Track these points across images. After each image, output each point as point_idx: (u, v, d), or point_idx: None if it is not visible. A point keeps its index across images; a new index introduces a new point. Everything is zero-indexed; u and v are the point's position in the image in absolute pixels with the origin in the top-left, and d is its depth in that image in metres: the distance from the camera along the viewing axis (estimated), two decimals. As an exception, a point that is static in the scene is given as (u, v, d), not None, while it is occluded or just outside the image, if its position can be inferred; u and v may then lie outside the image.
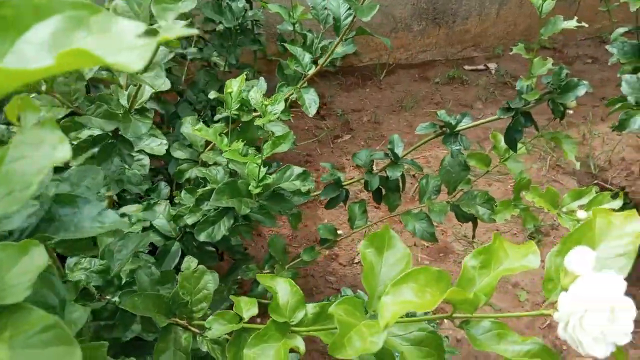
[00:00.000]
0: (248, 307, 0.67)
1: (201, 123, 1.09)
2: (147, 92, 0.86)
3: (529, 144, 1.48)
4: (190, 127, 1.11)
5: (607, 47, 1.59)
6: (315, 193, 1.48)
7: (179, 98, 1.61)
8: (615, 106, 1.46)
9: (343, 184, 1.48)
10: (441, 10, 2.67)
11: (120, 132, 0.87)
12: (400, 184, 1.45)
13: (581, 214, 1.09)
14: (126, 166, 0.91)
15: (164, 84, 0.75)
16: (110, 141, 0.87)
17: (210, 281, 0.73)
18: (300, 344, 0.60)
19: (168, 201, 1.18)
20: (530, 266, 0.50)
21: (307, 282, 1.91)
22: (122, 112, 0.83)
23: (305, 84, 1.25)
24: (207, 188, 1.02)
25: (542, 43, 1.22)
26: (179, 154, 1.23)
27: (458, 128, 1.32)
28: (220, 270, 1.00)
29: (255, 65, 1.87)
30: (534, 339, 0.47)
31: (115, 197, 1.10)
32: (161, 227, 1.07)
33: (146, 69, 0.72)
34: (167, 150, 1.16)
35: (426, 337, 0.54)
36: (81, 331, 0.61)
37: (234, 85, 0.98)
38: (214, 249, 1.19)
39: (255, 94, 0.94)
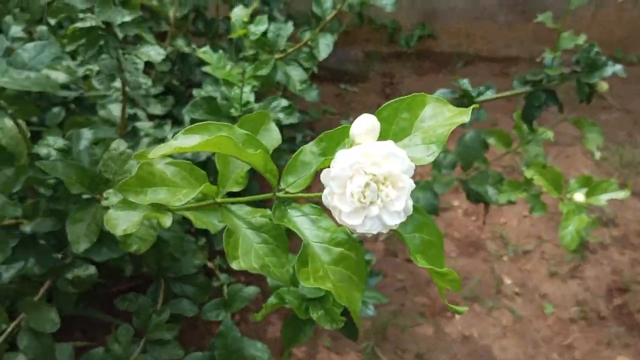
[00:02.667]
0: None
1: (207, 48, 1.12)
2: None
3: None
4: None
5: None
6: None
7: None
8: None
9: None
10: (532, 4, 2.51)
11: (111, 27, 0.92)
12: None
13: (578, 197, 0.99)
14: (117, 61, 0.95)
15: None
16: (100, 32, 0.92)
17: (134, 166, 0.75)
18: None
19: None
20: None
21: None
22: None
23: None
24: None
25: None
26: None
27: (478, 99, 1.24)
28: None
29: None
30: (343, 230, 0.44)
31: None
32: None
33: None
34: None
35: (268, 224, 0.52)
36: None
37: (238, 14, 1.00)
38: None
39: (240, 12, 0.94)
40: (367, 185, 0.35)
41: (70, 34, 0.89)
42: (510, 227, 2.04)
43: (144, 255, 1.13)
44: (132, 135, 1.24)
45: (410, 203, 0.37)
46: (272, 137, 0.53)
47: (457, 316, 1.76)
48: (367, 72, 2.69)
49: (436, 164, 1.38)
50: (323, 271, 0.41)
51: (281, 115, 1.06)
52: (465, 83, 1.26)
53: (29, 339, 1.03)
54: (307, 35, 1.29)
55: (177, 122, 1.26)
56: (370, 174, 0.35)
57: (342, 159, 0.36)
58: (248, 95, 1.04)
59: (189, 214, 0.60)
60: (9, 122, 0.87)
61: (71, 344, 1.04)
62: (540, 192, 1.18)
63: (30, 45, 0.77)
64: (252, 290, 1.06)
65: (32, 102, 0.73)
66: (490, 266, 1.90)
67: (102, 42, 0.93)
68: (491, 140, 1.30)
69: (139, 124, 1.24)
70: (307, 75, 1.33)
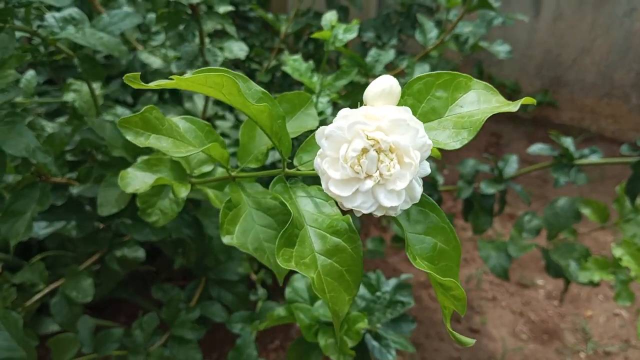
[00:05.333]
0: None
1: (299, 56, 1.10)
2: None
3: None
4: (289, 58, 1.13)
5: None
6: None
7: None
8: None
9: (439, 187, 1.36)
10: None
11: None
12: (498, 207, 1.27)
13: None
14: (199, 49, 0.96)
15: None
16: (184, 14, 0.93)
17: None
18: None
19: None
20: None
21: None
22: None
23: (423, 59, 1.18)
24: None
25: None
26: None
27: (579, 162, 1.11)
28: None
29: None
30: (346, 219, 0.36)
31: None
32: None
33: None
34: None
35: (276, 207, 0.46)
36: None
37: (328, 17, 0.97)
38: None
39: (330, 16, 0.91)
40: (365, 151, 0.28)
41: (159, 14, 0.90)
42: (596, 322, 1.81)
43: (189, 248, 1.10)
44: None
45: (419, 189, 0.29)
46: (308, 122, 0.48)
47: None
48: (474, 128, 2.58)
49: (518, 225, 1.25)
50: (311, 259, 0.34)
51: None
52: (567, 141, 1.14)
53: (61, 304, 1.03)
54: (404, 63, 1.24)
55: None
56: (372, 140, 0.28)
57: (342, 114, 0.29)
58: (325, 105, 1.00)
59: (210, 192, 0.55)
60: (85, 87, 0.89)
61: (95, 320, 1.02)
62: (629, 279, 1.01)
63: (115, 11, 0.79)
64: (282, 312, 0.99)
65: (101, 66, 0.73)
66: (563, 359, 1.67)
67: (183, 26, 0.93)
68: (586, 211, 1.16)
69: (218, 122, 1.24)
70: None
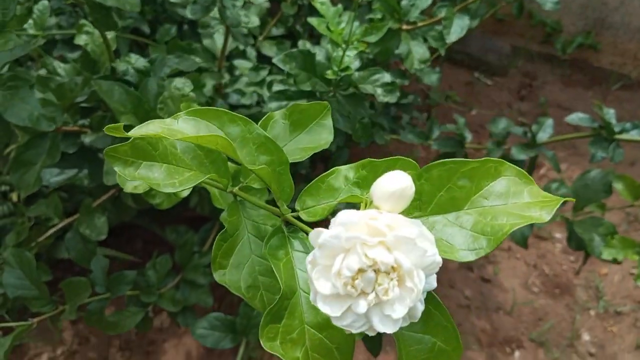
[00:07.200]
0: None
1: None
2: None
3: None
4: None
5: None
6: (430, 141, 1.33)
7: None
8: None
9: (466, 144, 1.30)
10: None
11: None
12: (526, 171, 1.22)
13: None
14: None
15: None
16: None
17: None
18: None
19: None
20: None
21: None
22: None
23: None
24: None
25: None
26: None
27: (619, 137, 1.04)
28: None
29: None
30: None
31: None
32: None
33: None
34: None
35: None
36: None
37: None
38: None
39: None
40: (361, 271, 0.25)
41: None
42: (610, 280, 1.79)
43: (203, 198, 1.09)
44: (230, 71, 1.19)
45: (421, 308, 0.26)
46: (321, 137, 0.43)
47: (516, 355, 1.59)
48: (508, 68, 2.44)
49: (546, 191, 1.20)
50: (299, 333, 0.31)
51: (379, 91, 0.94)
52: (609, 113, 1.06)
53: (76, 239, 1.04)
54: (442, 12, 1.14)
55: (280, 70, 1.18)
56: (371, 260, 0.24)
57: (341, 221, 0.25)
58: (351, 60, 0.94)
59: (215, 191, 0.52)
60: (96, 31, 0.84)
61: (107, 258, 1.04)
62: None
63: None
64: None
65: (111, 17, 0.68)
66: (572, 316, 1.69)
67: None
68: (618, 186, 1.10)
69: (237, 62, 1.18)
70: (429, 55, 1.19)
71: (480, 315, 1.65)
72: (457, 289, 1.69)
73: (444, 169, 0.30)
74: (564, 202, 0.33)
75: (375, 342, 0.81)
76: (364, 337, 0.67)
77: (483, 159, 0.31)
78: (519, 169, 0.30)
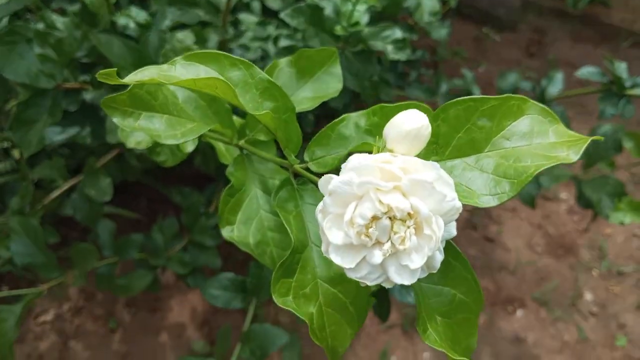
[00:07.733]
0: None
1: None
2: None
3: None
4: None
5: None
6: (437, 97, 1.31)
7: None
8: None
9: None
10: None
11: None
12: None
13: None
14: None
15: None
16: None
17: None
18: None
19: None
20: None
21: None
22: None
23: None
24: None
25: None
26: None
27: (630, 92, 1.02)
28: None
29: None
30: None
31: None
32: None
33: None
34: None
35: None
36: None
37: None
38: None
39: None
40: (375, 219, 0.24)
41: None
42: (614, 241, 1.79)
43: (208, 155, 1.08)
44: (234, 25, 1.16)
45: (440, 257, 0.25)
46: (329, 85, 0.41)
47: (518, 314, 1.61)
48: (518, 23, 2.38)
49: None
50: (312, 288, 0.30)
51: (390, 48, 0.92)
52: (621, 67, 1.03)
53: (81, 200, 1.04)
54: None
55: (286, 24, 1.14)
56: (386, 206, 0.23)
57: (352, 166, 0.24)
58: (361, 15, 0.91)
59: (220, 145, 0.51)
60: (93, -18, 0.81)
61: (111, 216, 1.04)
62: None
63: None
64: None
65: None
66: (575, 275, 1.69)
67: None
68: (627, 144, 1.08)
69: (242, 16, 1.14)
70: (440, 8, 1.16)
71: (483, 275, 1.66)
72: (461, 248, 1.69)
73: (462, 108, 0.29)
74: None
75: (383, 306, 0.81)
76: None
77: (504, 95, 0.29)
78: (543, 106, 0.28)
